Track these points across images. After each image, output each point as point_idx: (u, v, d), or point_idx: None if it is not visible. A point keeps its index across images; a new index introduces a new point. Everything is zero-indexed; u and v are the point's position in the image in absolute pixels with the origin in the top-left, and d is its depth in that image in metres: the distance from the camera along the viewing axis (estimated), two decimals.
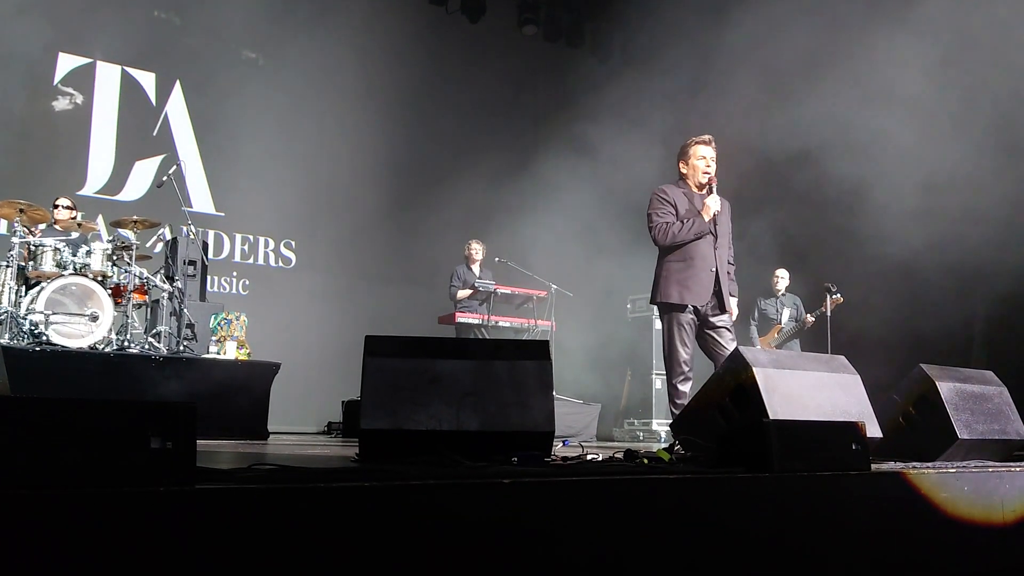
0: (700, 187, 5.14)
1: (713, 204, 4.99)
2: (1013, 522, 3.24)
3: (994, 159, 6.98)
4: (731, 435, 3.07)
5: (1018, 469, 3.45)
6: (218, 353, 6.85)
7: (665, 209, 5.05)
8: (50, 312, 6.21)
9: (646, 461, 3.11)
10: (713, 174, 5.10)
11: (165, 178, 7.75)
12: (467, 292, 8.81)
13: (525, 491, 2.22)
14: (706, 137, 5.17)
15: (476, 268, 9.05)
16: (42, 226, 7.08)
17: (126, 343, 6.56)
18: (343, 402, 7.73)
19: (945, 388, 3.90)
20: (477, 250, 9.10)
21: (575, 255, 9.90)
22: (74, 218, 7.20)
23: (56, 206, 7.31)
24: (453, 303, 8.88)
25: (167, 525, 1.68)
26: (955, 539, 3.07)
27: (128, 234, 7.28)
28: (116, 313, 6.55)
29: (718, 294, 5.00)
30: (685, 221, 4.98)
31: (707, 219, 4.97)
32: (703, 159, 5.11)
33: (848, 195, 7.82)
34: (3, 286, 6.41)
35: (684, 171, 5.19)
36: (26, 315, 6.20)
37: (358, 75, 10.23)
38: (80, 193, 8.86)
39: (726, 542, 2.52)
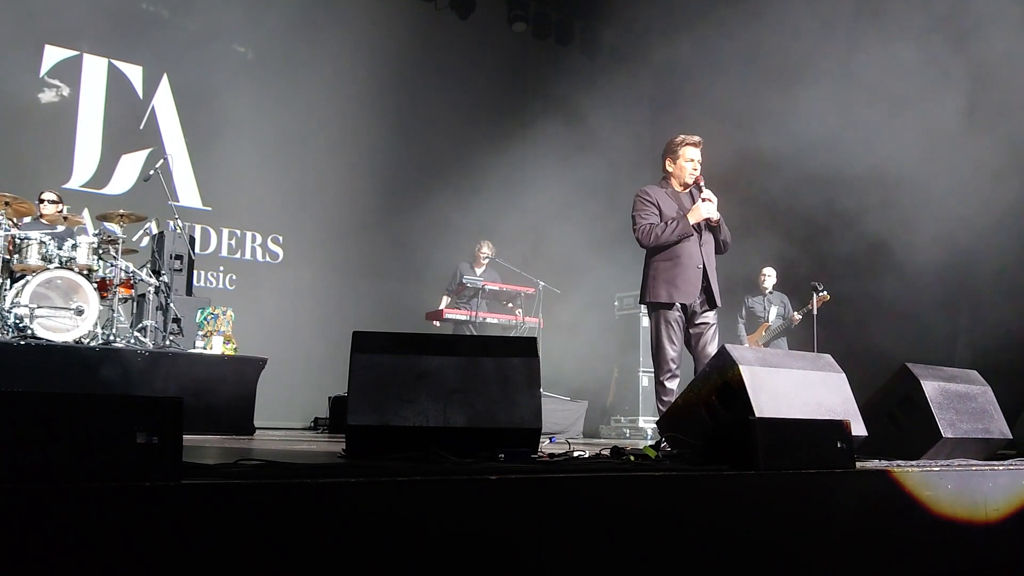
0: (685, 187, 5.16)
1: (706, 211, 4.99)
2: (996, 520, 3.27)
3: (985, 162, 7.01)
4: (717, 433, 3.08)
5: (1001, 468, 3.48)
6: (204, 348, 6.83)
7: (649, 210, 5.07)
8: (35, 306, 6.17)
9: (633, 458, 3.12)
10: (699, 174, 5.12)
11: (152, 172, 7.71)
12: (448, 301, 8.87)
13: (512, 488, 2.22)
14: (696, 139, 5.16)
15: (480, 270, 9.08)
16: (27, 219, 7.03)
17: (112, 337, 6.52)
18: (330, 398, 7.71)
19: (930, 387, 3.92)
20: (487, 254, 9.12)
21: (563, 252, 9.91)
22: (60, 211, 7.16)
23: (42, 200, 7.26)
24: (443, 295, 8.96)
25: (153, 520, 1.68)
26: (939, 537, 3.09)
27: (114, 228, 7.24)
28: (102, 307, 6.51)
29: (707, 290, 5.02)
30: (669, 223, 4.99)
31: (692, 221, 4.98)
32: (691, 161, 5.12)
33: (836, 194, 7.86)
34: None
35: (670, 169, 5.19)
36: (11, 308, 6.16)
37: (347, 70, 10.21)
38: (66, 186, 8.80)
39: (712, 539, 2.53)
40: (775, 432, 2.84)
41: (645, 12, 9.75)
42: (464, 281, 8.74)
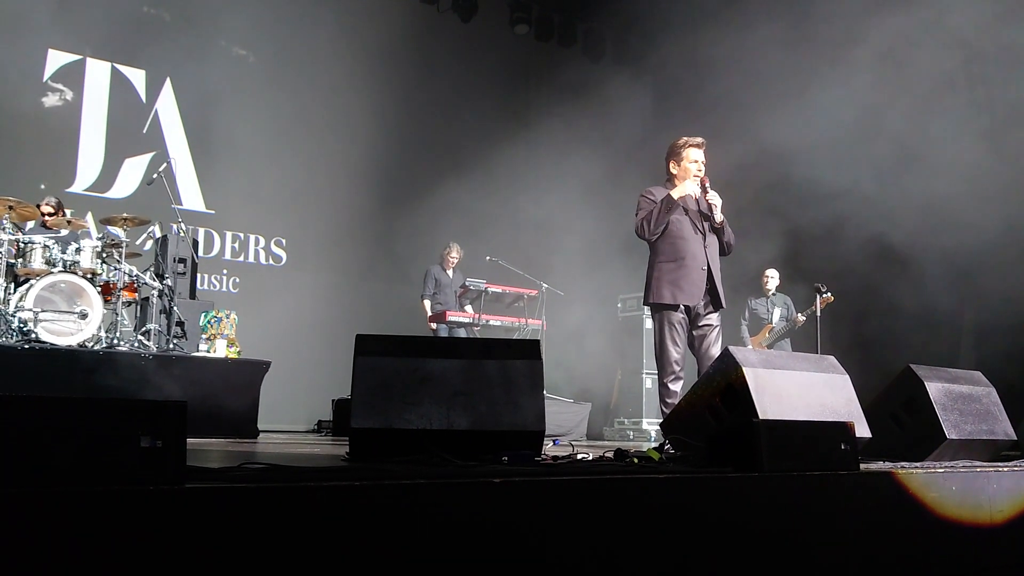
0: None
1: (690, 187, 5.03)
2: (1000, 522, 3.26)
3: (992, 163, 7.00)
4: (721, 435, 3.08)
5: (1005, 469, 3.47)
6: (208, 351, 6.83)
7: (649, 208, 5.07)
8: (39, 309, 6.18)
9: (636, 460, 3.12)
10: (704, 175, 5.13)
11: (155, 175, 7.71)
12: (428, 304, 8.87)
13: (515, 490, 2.22)
14: (699, 140, 5.17)
15: (451, 272, 9.08)
16: (31, 223, 7.04)
17: (116, 341, 6.53)
18: (333, 401, 7.71)
19: (934, 388, 3.92)
20: (455, 257, 9.12)
21: (566, 254, 9.91)
22: (64, 215, 7.17)
23: (42, 212, 7.27)
24: (422, 301, 8.99)
25: (157, 524, 1.68)
26: (943, 539, 3.09)
27: (118, 231, 7.25)
28: (106, 311, 6.52)
29: (711, 291, 5.01)
30: (653, 208, 5.00)
31: (676, 195, 4.97)
32: (695, 163, 5.12)
33: (840, 195, 7.85)
34: None
35: (674, 171, 5.19)
36: (15, 312, 6.17)
37: (349, 73, 10.22)
38: (69, 190, 8.82)
39: (716, 541, 2.53)
40: (779, 434, 2.84)
41: (647, 14, 9.75)
42: (467, 284, 8.74)
